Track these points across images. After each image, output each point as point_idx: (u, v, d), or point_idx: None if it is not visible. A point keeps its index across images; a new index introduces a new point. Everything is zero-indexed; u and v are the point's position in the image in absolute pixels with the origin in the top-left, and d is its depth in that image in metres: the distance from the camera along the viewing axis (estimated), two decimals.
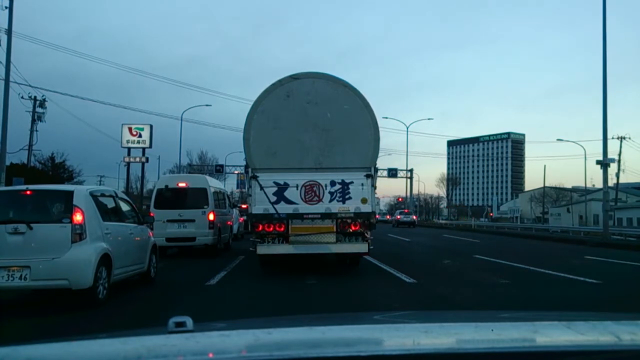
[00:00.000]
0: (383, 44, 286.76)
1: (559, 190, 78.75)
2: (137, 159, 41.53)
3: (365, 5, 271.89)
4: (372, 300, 7.86)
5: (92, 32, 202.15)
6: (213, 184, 16.08)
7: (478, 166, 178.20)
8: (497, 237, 30.03)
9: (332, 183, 9.83)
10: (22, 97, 33.60)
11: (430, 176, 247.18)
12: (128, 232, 8.17)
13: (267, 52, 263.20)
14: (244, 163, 11.01)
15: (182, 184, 14.69)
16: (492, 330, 1.38)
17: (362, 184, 9.87)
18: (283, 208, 9.71)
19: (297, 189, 9.79)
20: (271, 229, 9.73)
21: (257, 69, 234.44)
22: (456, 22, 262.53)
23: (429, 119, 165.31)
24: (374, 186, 9.99)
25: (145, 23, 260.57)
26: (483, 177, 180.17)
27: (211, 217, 14.07)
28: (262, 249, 9.80)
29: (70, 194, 6.96)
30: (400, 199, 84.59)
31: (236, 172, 49.05)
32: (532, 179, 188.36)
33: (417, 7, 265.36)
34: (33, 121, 35.21)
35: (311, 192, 9.81)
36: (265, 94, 10.02)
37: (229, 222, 17.06)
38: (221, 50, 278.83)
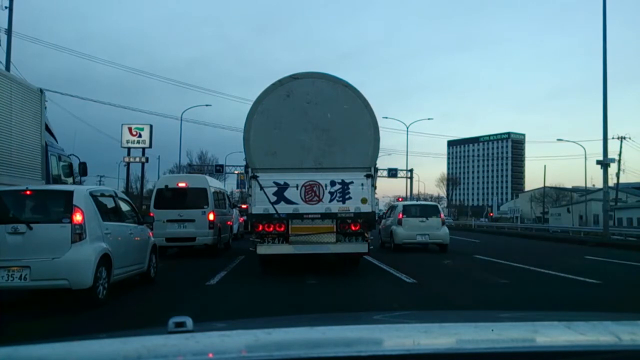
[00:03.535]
0: (384, 46, 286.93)
1: (559, 190, 78.75)
2: (137, 159, 41.50)
3: (367, 8, 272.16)
4: (372, 300, 7.86)
5: (96, 34, 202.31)
6: (213, 184, 16.08)
7: (478, 166, 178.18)
8: (497, 237, 30.04)
9: (332, 183, 9.83)
10: None
11: (430, 176, 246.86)
12: (128, 232, 8.17)
13: (269, 54, 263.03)
14: (244, 163, 11.00)
15: (182, 184, 14.69)
16: (492, 330, 1.38)
17: (362, 184, 9.87)
18: (283, 208, 9.71)
19: (297, 189, 9.79)
20: (271, 229, 9.73)
21: (258, 71, 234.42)
22: (457, 24, 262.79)
23: (429, 119, 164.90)
24: (374, 186, 9.99)
25: (149, 26, 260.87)
26: (483, 177, 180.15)
27: (211, 217, 14.07)
28: (262, 249, 9.80)
29: (70, 194, 6.96)
30: (400, 199, 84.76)
31: (236, 172, 49.01)
32: (532, 179, 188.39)
33: (418, 10, 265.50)
34: None
35: (311, 192, 9.81)
36: (265, 94, 10.02)
37: (229, 222, 17.06)
38: (223, 52, 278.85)
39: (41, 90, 10.92)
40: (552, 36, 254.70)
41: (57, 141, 12.59)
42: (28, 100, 10.22)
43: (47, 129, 11.39)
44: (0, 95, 9.14)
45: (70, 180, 12.52)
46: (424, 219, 16.55)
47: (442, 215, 17.60)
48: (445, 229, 17.00)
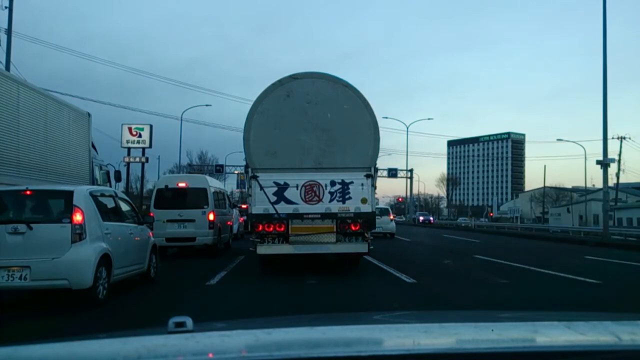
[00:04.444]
0: (384, 46, 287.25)
1: (559, 190, 78.72)
2: (137, 159, 41.43)
3: (367, 8, 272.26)
4: (372, 300, 7.86)
5: (96, 34, 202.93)
6: (213, 184, 16.07)
7: (478, 166, 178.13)
8: (497, 237, 30.04)
9: (332, 183, 9.83)
10: None
11: (430, 176, 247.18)
12: (128, 232, 8.17)
13: (269, 54, 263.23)
14: (244, 163, 11.00)
15: (182, 184, 14.69)
16: (492, 330, 1.37)
17: (362, 184, 9.86)
18: (283, 208, 9.71)
19: (297, 189, 9.78)
20: (271, 229, 9.72)
21: (258, 71, 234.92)
22: (457, 24, 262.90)
23: (429, 119, 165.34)
24: (374, 186, 9.99)
25: (149, 26, 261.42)
26: (483, 177, 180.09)
27: (211, 217, 14.06)
28: (262, 249, 9.80)
29: (70, 194, 6.95)
30: (400, 199, 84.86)
31: (236, 172, 48.99)
32: (532, 179, 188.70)
33: (418, 10, 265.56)
34: None
35: (311, 192, 9.80)
36: (265, 94, 10.01)
37: (229, 222, 17.05)
38: (223, 52, 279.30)
39: (89, 114, 13.07)
40: (552, 36, 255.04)
41: (97, 153, 14.65)
42: (80, 123, 12.49)
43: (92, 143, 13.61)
44: (62, 121, 11.46)
45: (107, 185, 14.66)
46: (379, 217, 20.75)
47: (391, 214, 26.18)
48: (393, 223, 25.53)
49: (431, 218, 67.49)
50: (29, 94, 10.16)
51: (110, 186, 14.65)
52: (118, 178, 16.19)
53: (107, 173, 15.15)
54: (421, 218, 63.82)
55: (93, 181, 12.96)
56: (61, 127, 11.36)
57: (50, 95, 11.45)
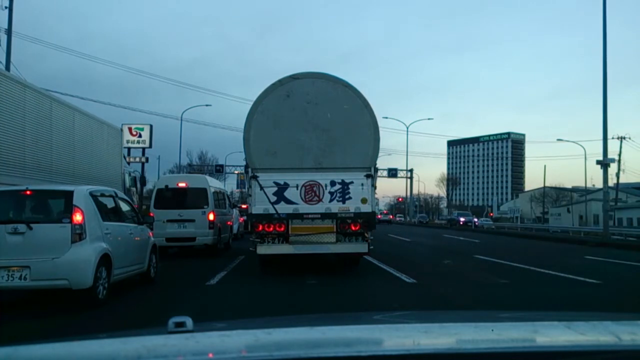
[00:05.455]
0: (385, 46, 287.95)
1: (559, 190, 78.66)
2: (137, 159, 41.40)
3: (367, 8, 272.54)
4: (372, 300, 7.86)
5: (97, 34, 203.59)
6: (213, 184, 16.07)
7: (478, 166, 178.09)
8: (497, 237, 30.03)
9: (332, 183, 9.82)
10: None
11: (430, 176, 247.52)
12: (128, 232, 8.16)
13: (269, 55, 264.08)
14: (244, 163, 11.00)
15: (182, 184, 14.69)
16: (492, 330, 1.37)
17: (362, 184, 9.86)
18: (283, 208, 9.71)
19: (297, 189, 9.78)
20: (271, 229, 9.72)
21: (258, 71, 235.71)
22: (457, 24, 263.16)
23: (429, 119, 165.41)
24: (374, 186, 9.98)
25: (150, 26, 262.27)
26: (483, 177, 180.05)
27: (211, 217, 14.06)
28: (262, 249, 9.80)
29: (70, 194, 6.94)
30: (400, 199, 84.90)
31: (236, 172, 49.05)
32: (532, 179, 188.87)
33: (418, 10, 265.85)
34: None
35: (311, 192, 9.80)
36: (265, 94, 10.01)
37: (229, 222, 17.05)
38: (224, 52, 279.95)
39: (121, 129, 15.67)
40: (552, 36, 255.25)
41: (127, 161, 17.67)
42: (114, 137, 14.70)
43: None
44: (103, 137, 13.67)
45: (134, 189, 17.29)
46: None
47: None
48: None
49: (475, 220, 53.12)
50: (81, 117, 12.24)
51: (137, 190, 17.62)
52: (143, 182, 19.18)
53: (134, 178, 17.61)
54: (462, 219, 52.10)
55: (124, 185, 15.00)
56: (102, 142, 13.57)
57: (94, 116, 13.35)
